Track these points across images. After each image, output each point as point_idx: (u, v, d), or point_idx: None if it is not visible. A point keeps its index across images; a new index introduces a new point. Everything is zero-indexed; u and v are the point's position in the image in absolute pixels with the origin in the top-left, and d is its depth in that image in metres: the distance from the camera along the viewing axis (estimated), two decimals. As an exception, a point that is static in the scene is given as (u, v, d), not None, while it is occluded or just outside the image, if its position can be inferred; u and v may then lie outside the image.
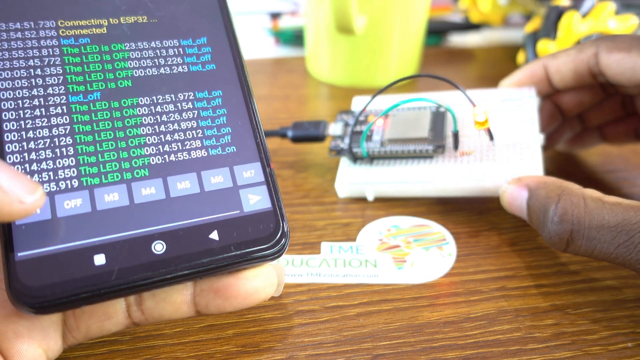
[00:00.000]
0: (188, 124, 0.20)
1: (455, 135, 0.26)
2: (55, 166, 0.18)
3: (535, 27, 0.36)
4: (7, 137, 0.18)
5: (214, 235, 0.18)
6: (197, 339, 0.20)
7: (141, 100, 0.20)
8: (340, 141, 0.28)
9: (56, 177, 0.18)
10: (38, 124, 0.18)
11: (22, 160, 0.18)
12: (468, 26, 0.48)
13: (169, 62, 0.21)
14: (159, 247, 0.17)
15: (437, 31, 0.47)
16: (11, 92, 0.18)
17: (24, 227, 0.17)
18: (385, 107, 0.27)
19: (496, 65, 0.43)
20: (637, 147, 0.32)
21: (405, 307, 0.22)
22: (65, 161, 0.18)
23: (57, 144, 0.18)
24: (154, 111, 0.20)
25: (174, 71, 0.21)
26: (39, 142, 0.18)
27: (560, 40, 0.34)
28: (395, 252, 0.24)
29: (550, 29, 0.34)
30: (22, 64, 0.19)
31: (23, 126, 0.18)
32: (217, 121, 0.20)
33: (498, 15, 0.48)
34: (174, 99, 0.20)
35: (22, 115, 0.18)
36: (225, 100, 0.21)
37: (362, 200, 0.27)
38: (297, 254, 0.24)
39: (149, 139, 0.19)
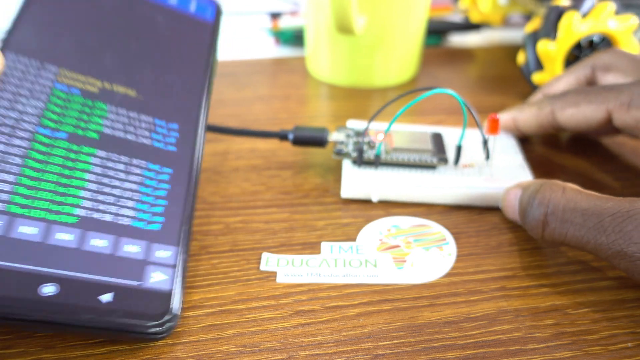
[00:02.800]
0: (130, 185, 0.21)
1: (458, 149, 0.27)
2: None
3: (535, 27, 0.36)
4: None
5: (108, 296, 0.18)
6: (197, 339, 0.20)
7: (99, 152, 0.21)
8: (344, 146, 0.28)
9: None
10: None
11: None
12: (468, 26, 0.48)
13: (137, 132, 0.22)
14: (48, 290, 0.17)
15: (437, 31, 0.47)
16: None
17: None
18: (385, 123, 0.28)
19: (496, 65, 0.43)
20: (637, 147, 0.32)
21: (405, 307, 0.22)
22: (5, 182, 0.18)
23: (4, 160, 0.19)
24: (104, 165, 0.21)
25: (138, 140, 0.22)
26: None
27: (560, 40, 0.34)
28: (395, 252, 0.24)
29: (550, 29, 0.34)
30: (12, 89, 0.20)
31: None
32: (157, 193, 0.21)
33: (498, 15, 0.48)
34: (126, 161, 0.21)
35: None
36: (172, 179, 0.22)
37: (363, 200, 0.27)
38: (297, 254, 0.24)
39: (89, 186, 0.20)
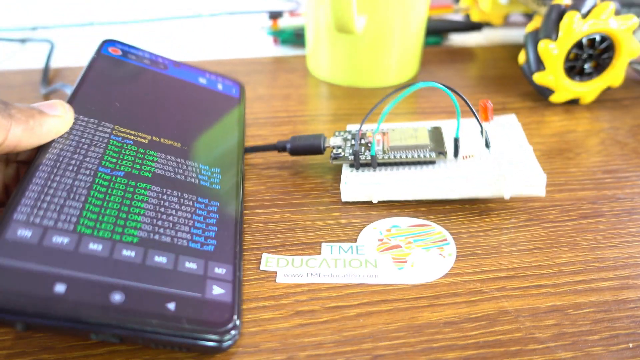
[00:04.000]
0: (183, 214, 0.23)
1: (456, 142, 0.27)
2: (62, 205, 0.21)
3: (536, 27, 0.36)
4: (39, 174, 0.21)
5: (171, 305, 0.19)
6: (197, 339, 0.20)
7: (153, 187, 0.23)
8: (341, 150, 0.28)
9: (58, 217, 0.20)
10: (66, 174, 0.22)
11: (41, 191, 0.21)
12: (469, 26, 0.48)
13: (185, 174, 0.25)
14: (117, 297, 0.19)
15: (437, 31, 0.47)
16: (57, 151, 0.23)
17: (12, 241, 0.19)
18: (383, 124, 0.28)
19: (497, 65, 0.43)
20: (638, 147, 0.32)
21: (405, 308, 0.22)
22: (72, 207, 0.21)
23: (73, 190, 0.21)
24: (159, 197, 0.23)
25: (187, 180, 0.25)
26: (60, 184, 0.21)
27: (561, 39, 0.34)
28: (395, 252, 0.24)
29: (551, 28, 0.34)
30: (76, 138, 0.24)
31: (55, 172, 0.22)
32: (208, 220, 0.23)
33: (499, 14, 0.48)
34: (179, 195, 0.24)
35: (57, 166, 0.22)
36: (220, 210, 0.24)
37: (363, 200, 0.27)
38: (297, 255, 0.24)
39: (147, 213, 0.22)
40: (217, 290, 0.21)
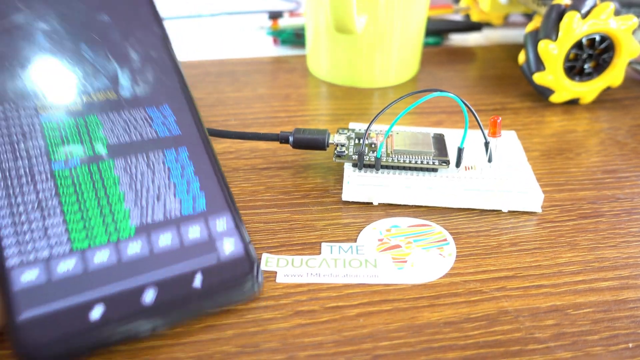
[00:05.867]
0: (160, 180, 0.22)
1: (460, 152, 0.27)
2: (43, 228, 0.19)
3: (536, 27, 0.36)
4: None
5: (197, 282, 0.20)
6: (197, 339, 0.20)
7: (116, 162, 0.22)
8: (345, 148, 0.28)
9: (49, 244, 0.19)
10: (24, 189, 0.20)
11: (12, 222, 0.19)
12: (469, 26, 0.48)
13: (138, 130, 0.23)
14: (148, 298, 0.19)
15: (437, 31, 0.47)
16: None
17: (22, 292, 0.18)
18: (386, 125, 0.28)
19: (497, 65, 0.43)
20: (637, 147, 0.32)
21: (405, 308, 0.22)
22: (54, 225, 0.19)
23: (42, 206, 0.20)
24: (128, 171, 0.22)
25: (145, 138, 0.23)
26: (26, 204, 0.20)
27: (561, 39, 0.34)
28: (395, 252, 0.24)
29: (551, 28, 0.34)
30: (6, 140, 0.21)
31: (12, 192, 0.20)
32: (187, 176, 0.22)
33: (499, 14, 0.48)
34: (145, 159, 0.22)
35: (9, 184, 0.20)
36: (192, 156, 0.23)
37: (363, 201, 0.27)
38: (297, 254, 0.24)
39: (127, 196, 0.21)
40: (227, 246, 0.21)
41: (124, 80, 0.24)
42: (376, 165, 0.27)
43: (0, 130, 0.21)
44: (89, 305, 0.18)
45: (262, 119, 0.35)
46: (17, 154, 0.21)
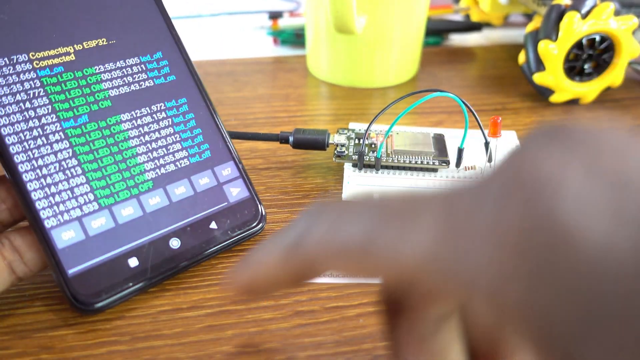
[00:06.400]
0: (166, 130, 0.23)
1: (460, 152, 0.27)
2: (70, 188, 0.21)
3: (536, 27, 0.36)
4: (22, 167, 0.20)
5: (213, 225, 0.23)
6: (197, 339, 0.20)
7: (122, 116, 0.22)
8: (345, 148, 0.28)
9: (78, 203, 0.21)
10: (42, 150, 0.20)
11: (41, 186, 0.20)
12: (469, 27, 0.47)
13: (135, 79, 0.23)
14: (175, 243, 0.22)
15: (437, 31, 0.47)
16: (11, 127, 0.20)
17: (66, 249, 0.20)
18: (386, 126, 0.28)
19: (497, 65, 0.43)
20: (638, 147, 0.32)
21: (405, 308, 0.22)
22: (80, 185, 0.21)
23: (63, 167, 0.21)
24: (135, 125, 0.23)
25: (143, 86, 0.23)
26: (49, 167, 0.20)
27: (561, 40, 0.34)
28: (395, 252, 0.24)
29: (551, 28, 0.34)
30: (10, 100, 0.20)
31: (32, 156, 0.20)
32: (189, 124, 0.24)
33: (499, 14, 0.48)
34: (148, 111, 0.23)
35: (28, 147, 0.20)
36: (191, 106, 0.24)
37: (362, 200, 0.27)
38: (297, 254, 0.24)
39: (139, 150, 0.22)
40: (235, 192, 0.23)
41: (114, 28, 0.24)
42: (376, 165, 0.27)
43: (2, 89, 0.20)
44: (126, 255, 0.20)
45: (262, 119, 0.35)
46: (26, 115, 0.20)
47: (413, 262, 0.12)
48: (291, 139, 0.28)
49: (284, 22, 0.46)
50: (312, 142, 0.28)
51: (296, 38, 0.46)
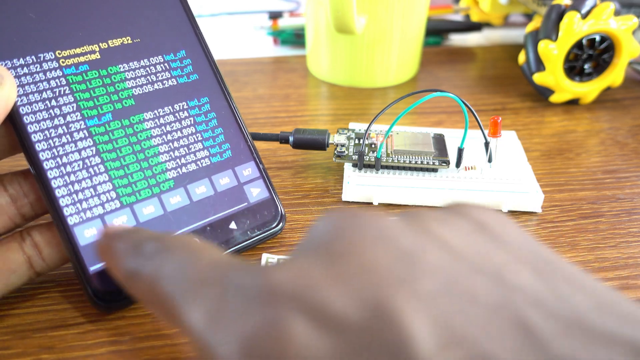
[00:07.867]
0: (187, 130, 0.23)
1: (460, 152, 0.27)
2: (93, 186, 0.21)
3: (536, 27, 0.36)
4: (47, 165, 0.20)
5: (233, 225, 0.23)
6: (197, 339, 0.20)
7: (145, 115, 0.22)
8: (345, 148, 0.28)
9: (101, 201, 0.21)
10: (66, 148, 0.21)
11: (64, 183, 0.20)
12: (469, 27, 0.47)
13: (159, 78, 0.23)
14: None
15: (437, 31, 0.47)
16: (37, 125, 0.20)
17: (89, 246, 0.20)
18: (387, 126, 0.28)
19: (497, 65, 0.43)
20: (638, 147, 0.32)
21: (405, 308, 0.21)
22: (103, 183, 0.21)
23: (87, 165, 0.21)
24: (157, 124, 0.23)
25: (166, 85, 0.23)
26: (72, 164, 0.21)
27: (561, 40, 0.34)
28: (395, 252, 0.24)
29: (551, 28, 0.34)
30: (37, 97, 0.21)
31: (56, 153, 0.20)
32: (210, 124, 0.24)
33: (499, 14, 0.48)
34: (170, 110, 0.23)
35: (53, 144, 0.20)
36: (213, 105, 0.24)
37: (363, 201, 0.27)
38: (297, 254, 0.24)
39: (161, 149, 0.22)
40: (255, 192, 0.23)
41: (139, 26, 0.24)
42: (376, 165, 0.27)
43: (29, 87, 0.21)
44: None
45: (262, 119, 0.35)
46: (52, 113, 0.21)
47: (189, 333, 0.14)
48: (291, 139, 0.28)
49: (284, 22, 0.46)
50: (312, 142, 0.28)
51: (296, 38, 0.46)
